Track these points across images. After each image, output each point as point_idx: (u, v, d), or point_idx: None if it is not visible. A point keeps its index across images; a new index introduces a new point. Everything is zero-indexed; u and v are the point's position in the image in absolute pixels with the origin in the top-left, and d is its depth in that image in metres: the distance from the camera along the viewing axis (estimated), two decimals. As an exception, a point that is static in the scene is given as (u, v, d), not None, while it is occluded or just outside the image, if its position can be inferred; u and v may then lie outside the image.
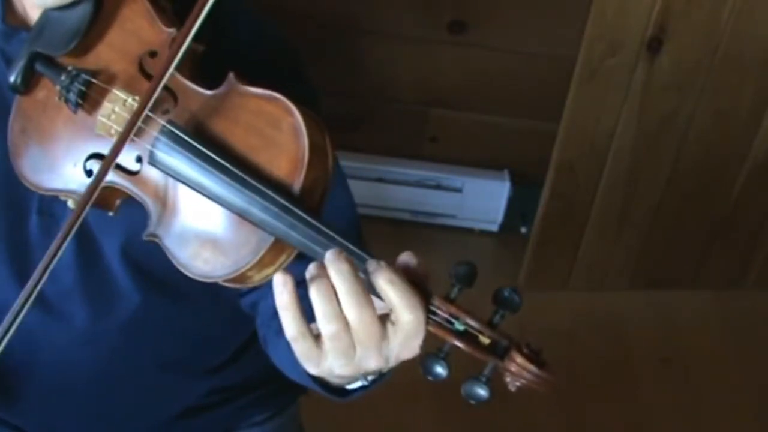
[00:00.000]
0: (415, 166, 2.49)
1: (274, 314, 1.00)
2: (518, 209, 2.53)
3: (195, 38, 0.83)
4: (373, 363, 0.74)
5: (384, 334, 0.73)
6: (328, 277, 0.72)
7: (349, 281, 0.71)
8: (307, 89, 0.95)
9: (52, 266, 0.79)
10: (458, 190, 2.50)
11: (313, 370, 0.77)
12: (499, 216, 2.55)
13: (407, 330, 0.73)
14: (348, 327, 0.72)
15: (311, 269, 0.73)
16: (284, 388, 1.25)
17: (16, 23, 0.93)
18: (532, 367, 0.75)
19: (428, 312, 0.74)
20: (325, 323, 0.72)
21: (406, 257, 0.75)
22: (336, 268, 0.72)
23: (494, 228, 2.57)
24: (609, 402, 2.17)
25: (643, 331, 2.37)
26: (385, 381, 0.85)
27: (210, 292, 1.02)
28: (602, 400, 2.16)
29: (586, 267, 2.41)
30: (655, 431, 2.14)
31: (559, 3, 2.24)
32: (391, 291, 0.71)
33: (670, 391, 2.21)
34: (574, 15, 2.13)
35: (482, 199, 2.51)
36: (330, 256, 0.72)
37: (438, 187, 2.50)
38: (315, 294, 0.72)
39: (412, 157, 2.51)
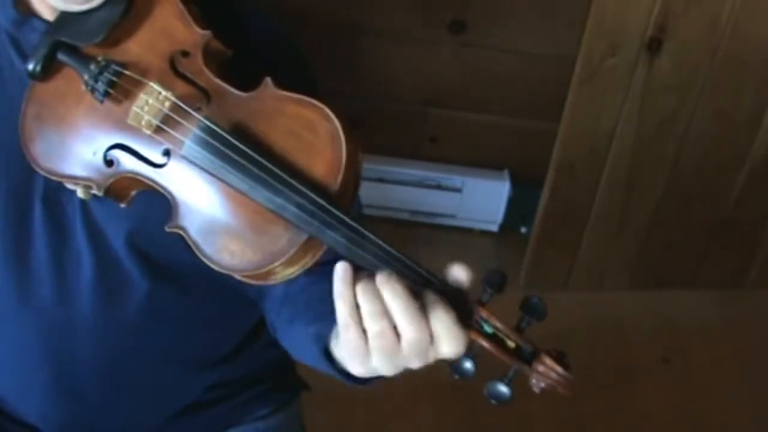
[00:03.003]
0: (415, 166, 2.49)
1: (283, 302, 1.01)
2: (518, 209, 2.53)
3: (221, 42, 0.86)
4: (416, 364, 0.78)
5: (432, 343, 0.77)
6: (373, 281, 0.75)
7: (403, 298, 0.75)
8: (314, 89, 0.97)
9: None
10: (458, 190, 2.50)
11: (357, 368, 0.81)
12: (499, 216, 2.55)
13: (447, 355, 0.77)
14: (393, 323, 0.75)
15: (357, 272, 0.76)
16: (286, 384, 1.26)
17: (26, 11, 0.93)
18: (559, 369, 0.80)
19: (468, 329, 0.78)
20: (371, 322, 0.76)
21: (457, 272, 0.78)
22: (390, 288, 0.75)
23: (494, 228, 2.57)
24: (609, 402, 2.17)
25: (643, 331, 2.37)
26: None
27: (216, 282, 1.03)
28: (602, 400, 2.16)
29: (586, 267, 2.41)
30: (655, 431, 2.14)
31: (559, 3, 2.24)
32: (438, 326, 0.75)
33: (670, 391, 2.21)
34: (574, 15, 2.14)
35: (482, 199, 2.51)
36: (382, 278, 0.75)
37: (438, 187, 2.50)
38: (361, 294, 0.75)
39: (412, 157, 2.51)
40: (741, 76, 2.10)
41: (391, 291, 0.75)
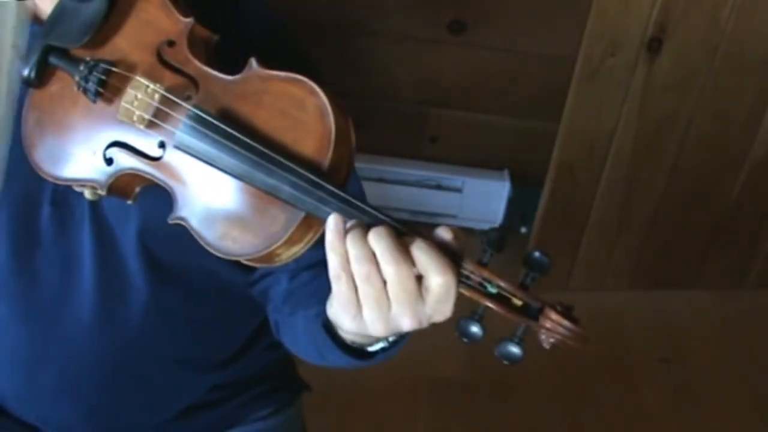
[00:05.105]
0: (415, 166, 2.49)
1: (285, 299, 1.02)
2: (518, 209, 2.53)
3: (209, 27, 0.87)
4: (407, 322, 0.77)
5: (420, 293, 0.76)
6: (364, 230, 0.76)
7: (386, 239, 0.75)
8: (313, 72, 0.97)
9: None
10: (458, 190, 2.50)
11: (348, 322, 0.80)
12: (499, 216, 2.55)
13: (438, 293, 0.76)
14: (379, 268, 0.75)
15: (348, 224, 0.77)
16: (287, 385, 1.26)
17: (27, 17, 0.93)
18: (566, 323, 0.81)
19: (461, 276, 0.78)
20: (356, 265, 0.76)
21: (441, 231, 0.78)
22: (376, 232, 0.75)
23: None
24: (609, 402, 2.17)
25: (643, 331, 2.38)
26: (404, 344, 0.88)
27: (219, 285, 1.03)
28: (602, 400, 2.17)
29: (586, 267, 2.41)
30: (655, 431, 2.14)
31: (559, 3, 2.24)
32: (421, 255, 0.75)
33: (670, 391, 2.22)
34: (574, 15, 2.14)
35: (482, 199, 2.51)
36: (372, 228, 0.76)
37: (438, 187, 2.50)
38: (350, 240, 0.76)
39: (412, 157, 2.51)
40: (741, 76, 2.10)
41: (376, 235, 0.75)
